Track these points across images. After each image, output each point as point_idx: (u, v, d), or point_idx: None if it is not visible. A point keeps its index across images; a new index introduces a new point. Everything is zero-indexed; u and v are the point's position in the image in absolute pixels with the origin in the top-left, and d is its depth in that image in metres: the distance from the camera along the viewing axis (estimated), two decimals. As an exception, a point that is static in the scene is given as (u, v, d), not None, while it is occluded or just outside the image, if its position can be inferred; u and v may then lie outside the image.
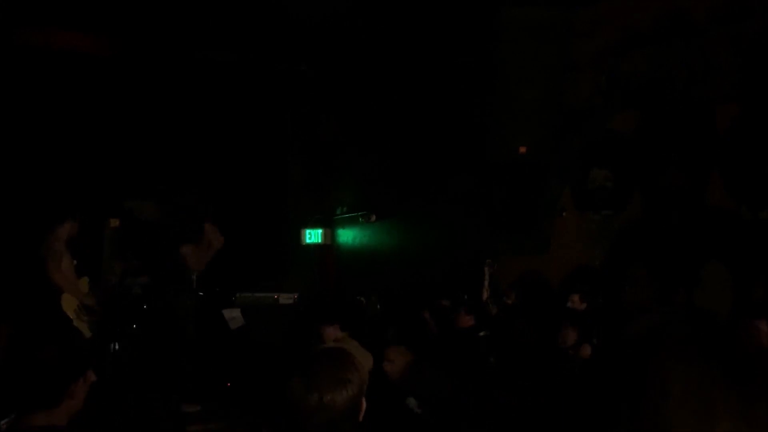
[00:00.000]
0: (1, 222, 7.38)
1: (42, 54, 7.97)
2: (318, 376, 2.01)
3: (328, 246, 10.31)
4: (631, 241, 6.40)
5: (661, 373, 1.16)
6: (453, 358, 5.77)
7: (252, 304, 7.89)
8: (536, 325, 6.01)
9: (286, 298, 8.12)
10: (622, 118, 6.52)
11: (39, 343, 2.26)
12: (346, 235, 10.14)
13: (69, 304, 6.34)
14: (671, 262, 6.02)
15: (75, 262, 6.47)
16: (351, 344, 5.42)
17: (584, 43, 6.69)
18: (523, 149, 6.42)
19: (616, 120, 6.58)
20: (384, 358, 5.10)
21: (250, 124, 9.64)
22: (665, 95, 6.12)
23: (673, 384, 1.14)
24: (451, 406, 4.86)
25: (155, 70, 8.70)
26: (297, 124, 10.46)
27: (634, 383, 1.20)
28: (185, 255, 7.56)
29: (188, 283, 7.53)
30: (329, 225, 10.35)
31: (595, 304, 6.10)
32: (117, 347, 6.71)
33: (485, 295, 6.93)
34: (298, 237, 10.25)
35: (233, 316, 7.61)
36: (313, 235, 10.29)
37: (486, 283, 7.00)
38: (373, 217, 9.31)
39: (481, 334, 6.18)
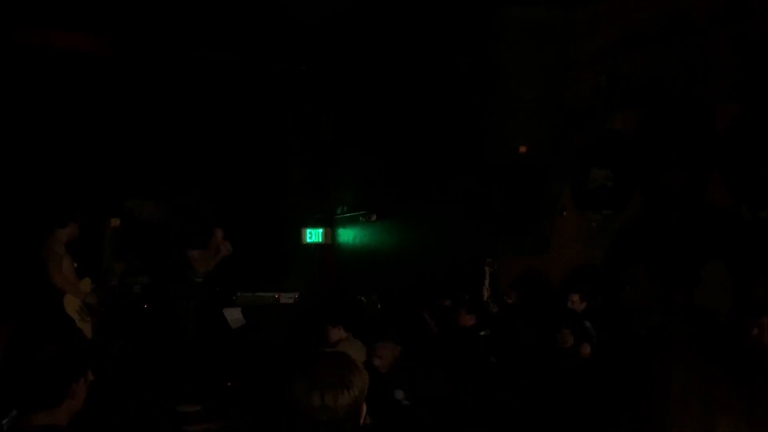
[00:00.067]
0: (1, 222, 7.38)
1: (42, 54, 7.97)
2: (320, 377, 2.01)
3: (329, 245, 10.32)
4: (631, 241, 6.40)
5: (661, 373, 1.16)
6: (453, 357, 5.78)
7: (252, 304, 7.89)
8: (536, 325, 6.02)
9: (286, 298, 8.13)
10: (622, 117, 6.52)
11: (39, 343, 2.26)
12: (347, 235, 10.14)
13: (72, 306, 6.34)
14: (671, 262, 6.02)
15: (75, 264, 6.47)
16: (354, 344, 5.43)
17: (584, 43, 6.69)
18: (523, 149, 6.42)
19: (616, 120, 6.58)
20: (373, 354, 5.13)
21: (250, 124, 9.64)
22: (665, 95, 6.12)
23: (673, 384, 1.15)
24: (451, 406, 4.86)
25: (155, 70, 8.70)
26: (297, 124, 10.46)
27: (634, 383, 1.20)
28: (192, 258, 7.56)
29: (191, 285, 7.53)
30: (330, 224, 10.35)
31: (595, 304, 6.11)
32: (117, 347, 6.71)
33: (485, 295, 6.93)
34: (299, 236, 10.26)
35: (234, 315, 7.61)
36: (313, 235, 10.29)
37: (486, 282, 7.00)
38: (374, 217, 9.31)
39: (482, 333, 6.18)
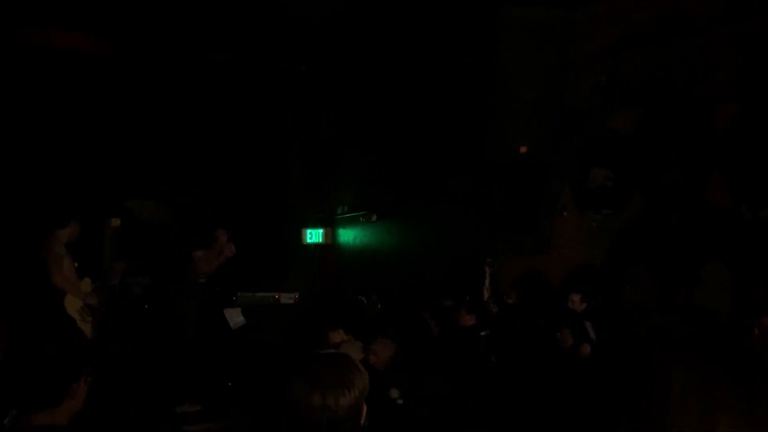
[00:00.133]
0: (1, 222, 7.38)
1: (42, 54, 7.97)
2: (321, 378, 2.00)
3: (329, 246, 10.32)
4: (631, 241, 6.40)
5: (661, 373, 1.16)
6: (453, 357, 5.78)
7: (253, 304, 7.89)
8: (536, 325, 6.02)
9: (287, 298, 8.13)
10: (623, 117, 6.52)
11: (39, 343, 2.26)
12: (347, 235, 10.14)
13: (72, 306, 6.34)
14: (671, 261, 6.02)
15: (76, 264, 6.46)
16: (355, 346, 5.43)
17: (584, 43, 6.69)
18: (523, 149, 6.43)
19: (616, 120, 6.58)
20: (368, 351, 5.12)
21: (250, 124, 9.64)
22: (665, 95, 6.12)
23: (673, 384, 1.15)
24: (451, 406, 4.86)
25: (155, 70, 8.70)
26: (297, 124, 10.46)
27: (634, 383, 1.20)
28: (197, 258, 7.56)
29: (192, 285, 7.53)
30: (330, 225, 10.35)
31: (595, 304, 6.11)
32: (117, 347, 6.71)
33: (486, 295, 6.93)
34: (299, 237, 10.26)
35: (234, 316, 7.61)
36: (314, 235, 10.30)
37: (486, 282, 7.00)
38: (374, 217, 9.31)
39: (482, 333, 6.18)
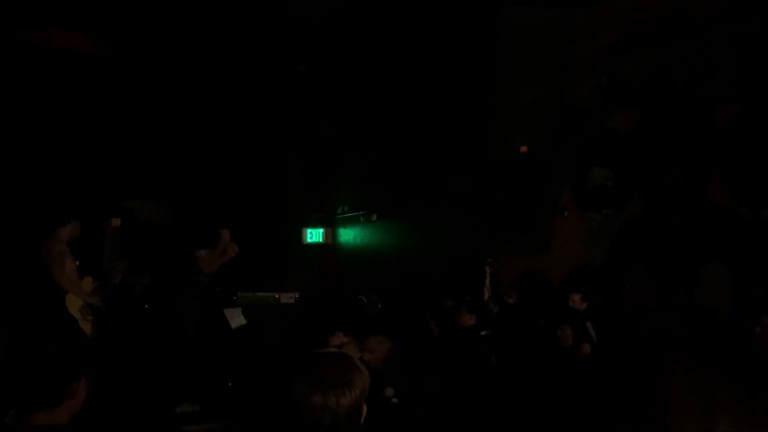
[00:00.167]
0: (1, 222, 7.38)
1: (42, 54, 7.97)
2: (322, 378, 2.00)
3: (329, 245, 10.32)
4: (631, 240, 6.40)
5: (661, 373, 1.16)
6: (454, 357, 5.78)
7: (253, 304, 7.89)
8: (536, 325, 6.02)
9: (287, 298, 8.12)
10: (623, 117, 6.52)
11: (39, 343, 2.26)
12: (347, 235, 10.14)
13: (74, 305, 6.34)
14: (671, 261, 6.02)
15: (77, 263, 6.46)
16: (356, 346, 5.42)
17: (584, 43, 6.69)
18: (524, 149, 6.43)
19: (616, 120, 6.58)
20: (364, 348, 5.11)
21: (250, 124, 9.64)
22: (665, 95, 6.12)
23: (673, 384, 1.15)
24: (451, 406, 4.86)
25: (155, 70, 8.70)
26: (297, 124, 10.46)
27: (634, 383, 1.20)
28: (200, 258, 7.56)
29: (192, 285, 7.53)
30: (330, 224, 10.35)
31: (595, 304, 6.11)
32: (117, 347, 6.71)
33: (486, 295, 6.93)
34: (299, 236, 10.26)
35: (234, 316, 7.61)
36: (314, 235, 10.29)
37: (487, 282, 7.00)
38: (374, 217, 9.31)
39: (482, 333, 6.18)
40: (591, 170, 6.79)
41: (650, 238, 6.22)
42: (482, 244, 7.52)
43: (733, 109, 5.61)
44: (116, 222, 7.30)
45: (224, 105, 9.21)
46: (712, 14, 5.75)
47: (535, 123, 6.43)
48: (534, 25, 6.28)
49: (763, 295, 5.28)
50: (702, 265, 5.78)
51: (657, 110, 6.20)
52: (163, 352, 7.08)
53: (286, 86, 10.01)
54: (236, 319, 7.59)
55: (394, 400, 4.83)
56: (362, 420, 2.09)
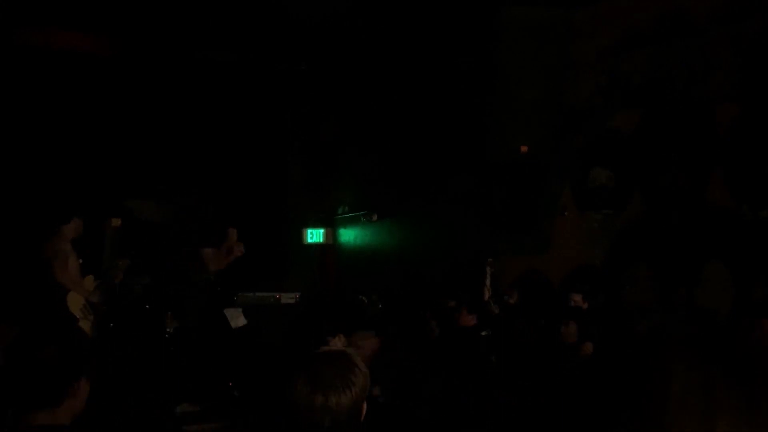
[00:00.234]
0: (1, 222, 7.38)
1: (42, 54, 7.97)
2: (323, 378, 2.00)
3: (330, 245, 10.32)
4: (631, 240, 6.40)
5: (661, 373, 1.16)
6: (454, 357, 5.78)
7: (254, 304, 7.88)
8: (537, 325, 6.02)
9: (287, 298, 8.12)
10: (623, 117, 6.52)
11: (39, 342, 2.26)
12: (348, 235, 10.14)
13: (75, 303, 6.33)
14: (672, 261, 6.02)
15: (81, 261, 6.46)
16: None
17: (584, 43, 6.69)
18: (524, 148, 6.43)
19: (616, 120, 6.58)
20: (351, 345, 5.11)
21: (250, 124, 9.64)
22: (665, 95, 6.12)
23: (673, 384, 1.15)
24: (451, 406, 4.86)
25: (155, 70, 8.70)
26: (297, 124, 10.46)
27: (634, 383, 1.20)
28: (206, 256, 7.55)
29: (192, 285, 7.52)
30: (331, 224, 10.36)
31: (595, 304, 6.10)
32: (117, 347, 6.71)
33: (487, 295, 6.92)
34: (299, 236, 10.26)
35: (235, 316, 7.61)
36: (314, 235, 10.30)
37: (488, 282, 6.99)
38: (375, 217, 9.32)
39: (483, 333, 6.18)
40: (591, 170, 6.79)
41: (650, 238, 6.22)
42: (482, 244, 7.52)
43: (733, 109, 5.62)
44: (116, 222, 7.30)
45: (224, 105, 9.21)
46: (712, 14, 5.75)
47: (535, 123, 6.43)
48: (534, 25, 6.29)
49: (763, 295, 5.28)
50: (702, 265, 5.78)
51: (657, 110, 6.20)
52: (163, 353, 7.08)
53: (286, 86, 10.01)
54: (236, 319, 7.59)
55: (381, 399, 4.82)
56: (362, 419, 2.09)
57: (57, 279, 6.17)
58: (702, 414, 1.12)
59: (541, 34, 6.30)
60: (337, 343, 5.58)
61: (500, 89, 6.49)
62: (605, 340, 5.27)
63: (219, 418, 6.13)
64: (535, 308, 6.63)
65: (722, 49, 5.65)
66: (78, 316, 6.30)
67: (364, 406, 2.09)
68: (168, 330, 7.17)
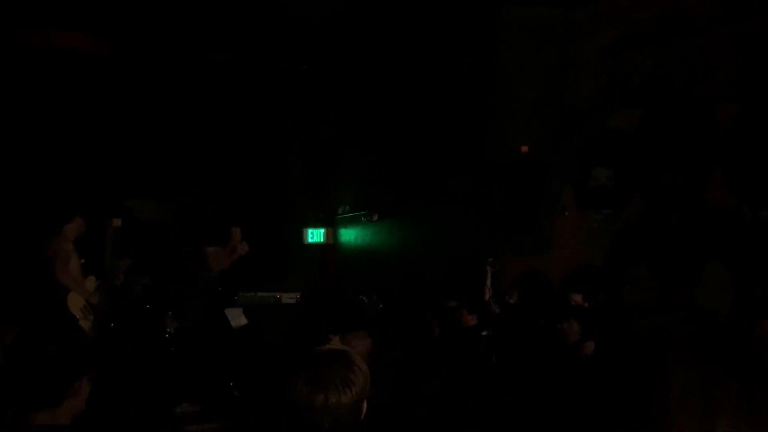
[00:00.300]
0: (1, 222, 7.38)
1: (42, 54, 7.97)
2: (323, 377, 2.00)
3: (330, 245, 10.32)
4: (631, 240, 6.40)
5: (661, 373, 1.16)
6: (454, 357, 5.78)
7: (254, 304, 7.88)
8: (537, 325, 6.01)
9: (288, 298, 8.12)
10: (623, 117, 6.52)
11: (39, 342, 2.26)
12: (348, 235, 10.15)
13: (75, 304, 6.33)
14: (672, 261, 6.02)
15: (82, 261, 6.46)
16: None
17: (584, 43, 6.70)
18: (525, 148, 6.43)
19: (616, 119, 6.58)
20: (344, 344, 5.09)
21: (250, 124, 9.64)
22: (665, 95, 6.12)
23: (673, 384, 1.15)
24: (451, 406, 4.86)
25: (155, 70, 8.70)
26: (297, 124, 10.47)
27: (634, 383, 1.20)
28: (209, 255, 7.55)
29: (200, 283, 7.52)
30: (331, 224, 10.36)
31: (595, 304, 6.10)
32: (117, 347, 6.71)
33: (487, 295, 6.92)
34: (300, 236, 10.26)
35: (235, 316, 7.61)
36: (315, 235, 10.30)
37: (488, 282, 6.99)
38: (376, 216, 9.32)
39: (484, 333, 6.18)
40: (592, 170, 6.79)
41: (651, 238, 6.22)
42: (482, 244, 7.53)
43: (733, 109, 5.62)
44: (117, 222, 7.30)
45: (224, 105, 9.21)
46: (712, 14, 5.75)
47: (535, 123, 6.43)
48: (534, 25, 6.29)
49: (763, 295, 5.28)
50: (702, 265, 5.78)
51: (657, 110, 6.20)
52: (163, 353, 7.08)
53: (286, 86, 10.01)
54: (237, 319, 7.59)
55: (374, 401, 4.80)
56: (362, 418, 2.09)
57: (58, 279, 6.17)
58: (702, 414, 1.12)
59: (541, 34, 6.31)
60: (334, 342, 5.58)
61: (500, 89, 6.49)
62: (605, 340, 5.27)
63: (219, 418, 6.12)
64: (536, 308, 6.63)
65: (722, 49, 5.65)
66: (78, 317, 6.31)
67: (364, 405, 2.09)
68: (168, 330, 7.17)
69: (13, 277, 6.52)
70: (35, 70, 7.92)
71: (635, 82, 6.37)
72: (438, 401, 4.90)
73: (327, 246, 10.32)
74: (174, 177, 8.85)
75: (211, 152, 9.12)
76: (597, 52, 6.65)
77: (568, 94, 6.74)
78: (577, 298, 6.04)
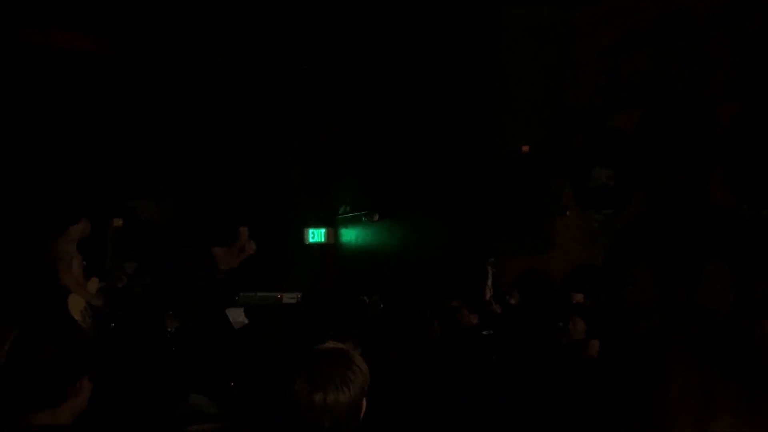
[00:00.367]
0: (1, 222, 7.38)
1: (42, 54, 7.98)
2: (322, 376, 2.01)
3: (331, 245, 10.32)
4: (632, 240, 6.40)
5: (661, 373, 1.16)
6: (455, 357, 5.78)
7: (255, 304, 7.88)
8: (537, 325, 6.01)
9: (289, 298, 8.12)
10: (623, 117, 6.52)
11: (39, 342, 2.26)
12: (348, 235, 10.15)
13: (76, 306, 6.32)
14: (672, 261, 6.02)
15: (85, 263, 6.45)
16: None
17: (584, 43, 6.69)
18: (525, 148, 6.43)
19: (616, 119, 6.59)
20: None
21: (250, 124, 9.64)
22: (665, 95, 6.12)
23: (673, 384, 1.15)
24: (451, 406, 4.86)
25: (155, 70, 8.70)
26: (297, 124, 10.47)
27: (634, 383, 1.20)
28: (216, 255, 7.54)
29: (195, 284, 7.52)
30: (332, 224, 10.36)
31: (596, 304, 6.10)
32: (118, 347, 6.72)
33: (488, 295, 6.92)
34: (300, 236, 10.26)
35: (236, 316, 7.61)
36: (316, 235, 10.30)
37: (489, 282, 6.99)
38: (376, 216, 9.32)
39: (484, 333, 6.18)
40: (592, 169, 6.79)
41: (651, 238, 6.22)
42: (482, 244, 7.53)
43: (733, 109, 5.62)
44: (118, 222, 7.30)
45: (224, 105, 9.21)
46: (712, 14, 5.75)
47: (535, 123, 6.43)
48: (534, 25, 6.29)
49: (763, 295, 5.28)
50: (702, 265, 5.78)
51: (657, 110, 6.20)
52: (163, 353, 7.08)
53: (286, 86, 10.01)
54: (238, 319, 7.59)
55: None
56: (361, 417, 2.10)
57: (60, 280, 6.15)
58: (702, 414, 1.12)
59: (541, 34, 6.31)
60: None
61: (500, 89, 6.49)
62: (605, 339, 5.26)
63: (219, 418, 6.12)
64: (536, 308, 6.63)
65: (722, 49, 5.65)
66: (77, 319, 6.30)
67: (364, 404, 2.09)
68: (169, 330, 7.16)
69: (14, 277, 6.52)
70: (35, 70, 7.92)
71: (635, 82, 6.37)
72: (438, 401, 4.90)
73: (328, 246, 10.32)
74: (174, 177, 8.85)
75: (211, 152, 9.12)
76: (597, 52, 6.65)
77: (568, 94, 6.74)
78: (578, 297, 6.03)
